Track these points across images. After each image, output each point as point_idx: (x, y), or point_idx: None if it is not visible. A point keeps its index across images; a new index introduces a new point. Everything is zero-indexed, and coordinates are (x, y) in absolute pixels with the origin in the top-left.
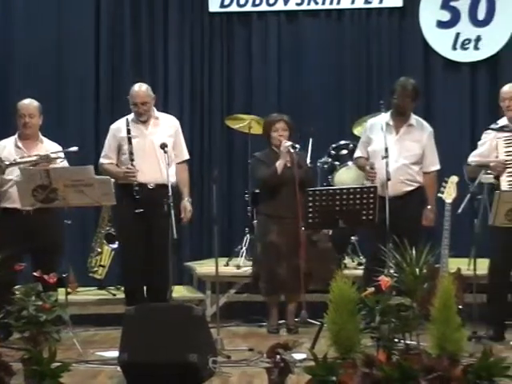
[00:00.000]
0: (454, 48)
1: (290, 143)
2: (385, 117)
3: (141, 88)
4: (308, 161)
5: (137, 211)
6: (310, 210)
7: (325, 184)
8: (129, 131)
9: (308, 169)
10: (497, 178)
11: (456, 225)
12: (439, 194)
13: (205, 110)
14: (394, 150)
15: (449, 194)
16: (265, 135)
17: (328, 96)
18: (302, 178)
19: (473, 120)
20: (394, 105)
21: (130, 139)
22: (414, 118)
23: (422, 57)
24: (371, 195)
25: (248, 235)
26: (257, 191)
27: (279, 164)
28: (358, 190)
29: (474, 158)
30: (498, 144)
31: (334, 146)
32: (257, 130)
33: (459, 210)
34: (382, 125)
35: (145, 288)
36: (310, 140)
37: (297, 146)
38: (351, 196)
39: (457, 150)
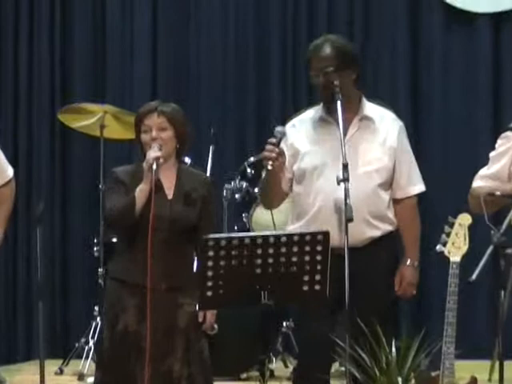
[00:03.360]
0: None
1: (157, 154)
2: (316, 111)
3: None
4: (208, 185)
5: None
6: (209, 274)
7: (236, 227)
8: None
9: (206, 200)
10: None
11: (468, 300)
12: (439, 247)
13: (21, 98)
14: (339, 164)
15: (456, 246)
16: (136, 139)
17: (239, 78)
18: (189, 217)
19: (497, 104)
20: (314, 87)
21: None
22: (370, 106)
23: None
24: (320, 247)
25: (99, 318)
26: (113, 240)
27: (140, 190)
28: (297, 237)
29: (485, 181)
30: None
31: (252, 160)
32: (115, 130)
33: (473, 276)
34: (315, 122)
35: None
36: (211, 149)
37: (187, 159)
38: (284, 249)
39: (469, 160)
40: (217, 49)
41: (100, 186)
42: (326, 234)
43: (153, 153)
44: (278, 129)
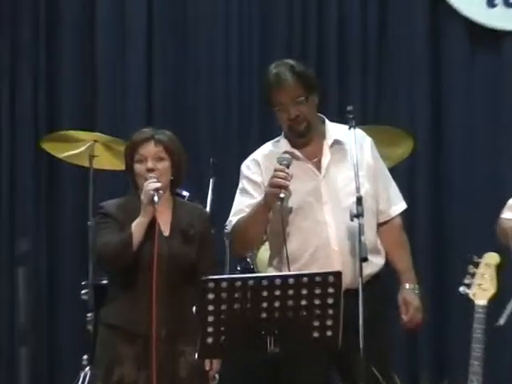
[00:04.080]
0: (491, 4)
1: (157, 184)
2: (276, 146)
3: None
4: (205, 219)
5: None
6: (210, 319)
7: (238, 267)
8: None
9: (204, 236)
10: None
11: (496, 348)
12: (462, 289)
13: (3, 121)
14: (325, 200)
15: (482, 288)
16: (127, 169)
17: (243, 106)
18: (188, 255)
19: None
20: (281, 122)
21: None
22: (335, 128)
23: (427, 17)
24: (332, 289)
25: (88, 368)
26: (104, 282)
27: (138, 224)
28: (306, 278)
29: None
30: None
31: None
32: (107, 160)
33: (501, 321)
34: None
35: None
36: (211, 182)
37: (185, 193)
38: (292, 291)
39: (495, 190)
40: (218, 71)
41: (89, 223)
42: (338, 275)
43: (153, 183)
44: (284, 155)
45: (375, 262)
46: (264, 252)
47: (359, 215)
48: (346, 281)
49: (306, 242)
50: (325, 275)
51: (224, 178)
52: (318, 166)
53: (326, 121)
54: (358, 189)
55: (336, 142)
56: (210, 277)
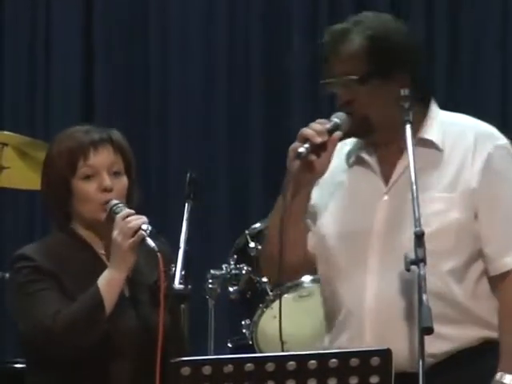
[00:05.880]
0: None
1: (144, 219)
2: (347, 144)
3: None
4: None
5: None
6: None
7: (229, 344)
8: None
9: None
10: None
11: None
12: None
13: None
14: (378, 229)
15: None
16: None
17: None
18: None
19: None
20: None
21: None
22: (442, 120)
23: None
24: (377, 378)
25: None
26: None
27: (109, 284)
28: (335, 361)
29: None
30: None
31: (257, 227)
32: (21, 174)
33: None
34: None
35: None
36: (186, 208)
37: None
38: (315, 381)
39: None
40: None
41: (5, 275)
42: (388, 355)
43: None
44: (339, 113)
45: (455, 336)
46: (269, 321)
47: (420, 261)
48: (399, 362)
49: (342, 294)
50: (365, 355)
51: (207, 202)
52: (387, 177)
53: (432, 112)
54: (417, 221)
55: (422, 143)
56: (185, 358)
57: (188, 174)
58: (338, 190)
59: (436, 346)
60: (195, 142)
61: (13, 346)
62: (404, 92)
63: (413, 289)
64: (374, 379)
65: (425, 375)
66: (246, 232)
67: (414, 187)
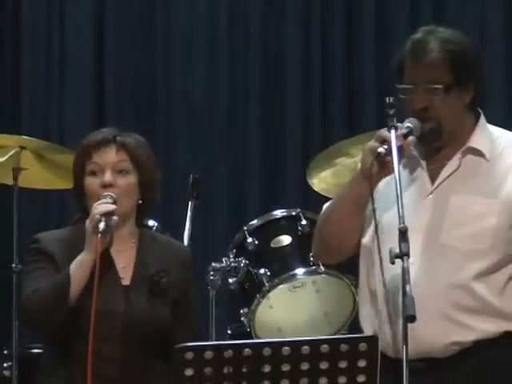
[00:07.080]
0: None
1: (109, 207)
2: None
3: None
4: (185, 263)
5: None
6: None
7: (229, 331)
8: None
9: (185, 287)
10: None
11: None
12: None
13: None
14: (421, 225)
15: None
16: (76, 187)
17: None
18: (157, 315)
19: None
20: (408, 111)
21: None
22: (488, 133)
23: None
24: (364, 362)
25: None
26: (36, 351)
27: (78, 264)
28: (326, 346)
29: None
30: None
31: (255, 224)
32: (38, 175)
33: None
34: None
35: None
36: (189, 206)
37: (150, 222)
38: (308, 365)
39: None
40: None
41: (14, 266)
42: (374, 341)
43: (103, 205)
44: (412, 119)
45: (476, 328)
46: (266, 310)
47: (403, 255)
48: (424, 346)
49: (374, 278)
50: (353, 341)
51: (208, 201)
52: (435, 176)
53: (481, 122)
54: (401, 218)
55: (470, 151)
56: (188, 344)
57: (191, 175)
58: (391, 185)
59: (462, 335)
60: (197, 142)
61: (29, 332)
62: (389, 100)
63: (447, 286)
64: (362, 363)
65: (450, 361)
66: (244, 228)
67: (398, 186)
